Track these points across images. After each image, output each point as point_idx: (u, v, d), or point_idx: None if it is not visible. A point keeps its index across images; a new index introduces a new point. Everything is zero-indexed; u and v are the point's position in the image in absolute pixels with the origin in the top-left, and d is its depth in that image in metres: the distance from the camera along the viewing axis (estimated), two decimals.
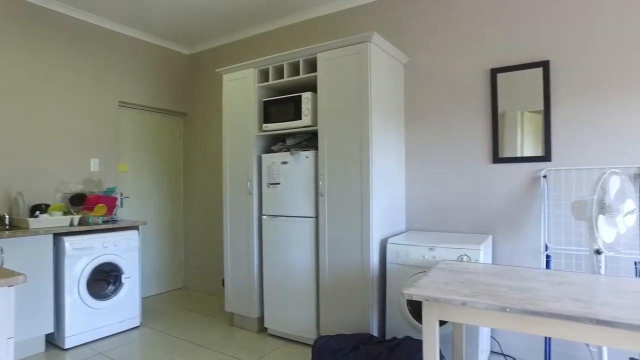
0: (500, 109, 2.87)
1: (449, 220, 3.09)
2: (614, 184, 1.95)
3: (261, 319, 3.37)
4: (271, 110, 3.22)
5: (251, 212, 3.30)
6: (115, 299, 3.33)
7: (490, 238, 2.82)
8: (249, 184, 3.31)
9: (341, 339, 2.52)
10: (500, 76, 2.86)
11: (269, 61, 3.22)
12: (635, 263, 2.43)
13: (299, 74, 3.15)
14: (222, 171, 3.52)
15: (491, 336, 2.87)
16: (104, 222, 3.42)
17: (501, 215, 2.88)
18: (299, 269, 3.06)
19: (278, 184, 3.16)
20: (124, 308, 3.39)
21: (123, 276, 3.39)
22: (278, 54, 3.15)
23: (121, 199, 4.08)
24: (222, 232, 4.21)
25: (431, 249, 2.58)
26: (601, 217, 1.92)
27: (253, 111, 3.30)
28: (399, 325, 2.71)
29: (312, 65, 3.17)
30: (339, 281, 2.86)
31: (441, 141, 3.13)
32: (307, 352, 2.95)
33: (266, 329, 3.35)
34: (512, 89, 2.83)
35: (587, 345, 2.44)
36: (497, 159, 2.87)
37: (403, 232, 3.18)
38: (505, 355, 2.84)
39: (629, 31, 2.49)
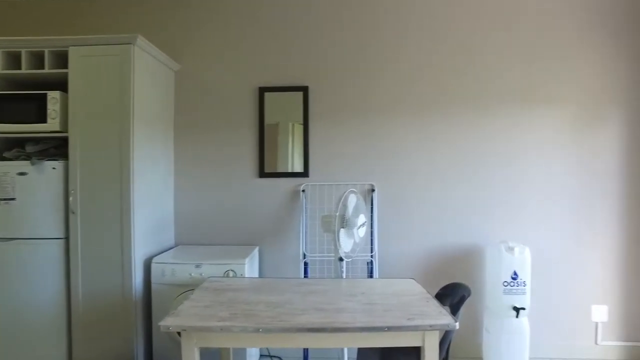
0: (268, 126, 3.04)
1: (218, 233, 3.11)
2: (352, 201, 2.31)
3: None
4: (3, 107, 2.60)
5: None
6: None
7: (257, 249, 2.97)
8: None
9: None
10: (267, 95, 3.04)
11: (1, 43, 2.59)
12: (367, 263, 2.97)
13: (44, 67, 2.63)
14: None
15: None
16: None
17: (267, 227, 3.07)
18: (44, 302, 2.55)
19: (13, 199, 2.57)
20: None
21: None
22: (14, 38, 2.59)
23: None
24: None
25: (198, 266, 2.53)
26: (342, 231, 2.25)
27: None
28: (167, 349, 2.57)
29: (63, 60, 2.68)
30: (97, 310, 2.52)
31: (211, 154, 3.12)
32: None
33: None
34: (279, 108, 3.04)
35: None
36: (263, 173, 3.05)
37: (172, 248, 3.04)
38: (272, 357, 3.04)
39: (365, 69, 3.02)
